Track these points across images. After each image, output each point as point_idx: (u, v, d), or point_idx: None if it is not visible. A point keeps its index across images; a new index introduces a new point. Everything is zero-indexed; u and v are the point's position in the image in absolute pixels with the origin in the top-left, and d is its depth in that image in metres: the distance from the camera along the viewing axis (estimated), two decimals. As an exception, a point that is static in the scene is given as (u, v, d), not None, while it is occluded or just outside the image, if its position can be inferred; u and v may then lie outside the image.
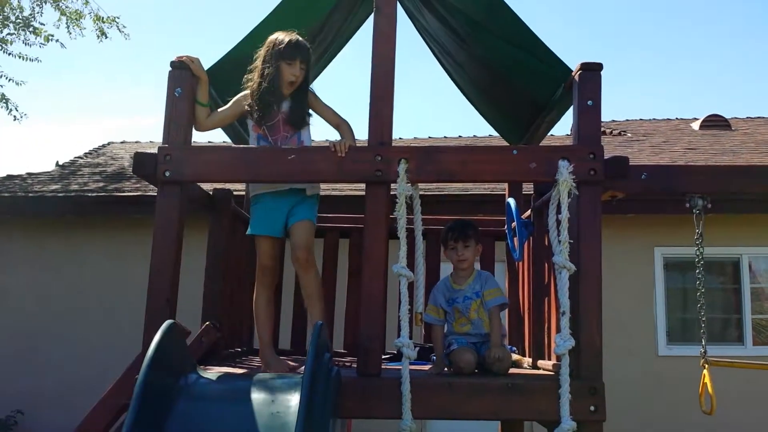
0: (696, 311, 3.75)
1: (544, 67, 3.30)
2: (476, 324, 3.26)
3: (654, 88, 30.39)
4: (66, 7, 10.29)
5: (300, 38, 3.23)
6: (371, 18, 3.17)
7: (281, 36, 3.21)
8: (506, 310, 3.61)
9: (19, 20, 9.91)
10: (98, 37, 10.44)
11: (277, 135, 3.20)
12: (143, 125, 31.07)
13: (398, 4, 3.28)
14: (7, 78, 9.93)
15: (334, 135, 3.30)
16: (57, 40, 10.20)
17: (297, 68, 3.18)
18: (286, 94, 3.23)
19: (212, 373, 2.57)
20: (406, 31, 4.31)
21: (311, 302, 3.28)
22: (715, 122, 10.91)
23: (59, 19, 10.35)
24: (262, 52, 3.22)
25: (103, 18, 10.39)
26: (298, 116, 3.21)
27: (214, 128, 3.39)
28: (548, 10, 29.87)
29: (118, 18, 10.46)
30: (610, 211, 5.42)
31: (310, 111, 3.29)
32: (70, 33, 10.43)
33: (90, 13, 10.40)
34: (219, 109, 3.35)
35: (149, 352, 2.19)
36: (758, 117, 11.73)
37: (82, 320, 7.67)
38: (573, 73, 3.09)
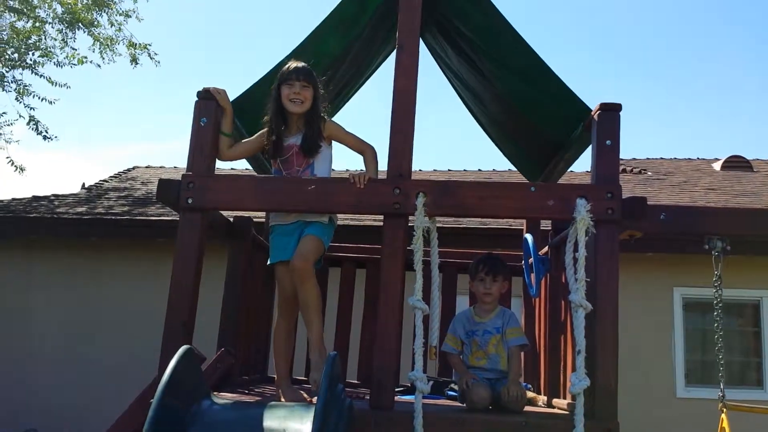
0: (715, 353, 3.71)
1: (564, 106, 3.34)
2: (493, 359, 3.25)
3: (675, 127, 30.31)
4: (99, 33, 10.59)
5: (302, 63, 3.26)
6: (394, 52, 3.24)
7: (286, 65, 3.29)
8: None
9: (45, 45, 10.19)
10: (131, 62, 10.73)
11: (291, 169, 3.25)
12: (170, 149, 31.51)
13: (420, 41, 3.36)
14: (39, 98, 10.20)
15: (356, 161, 3.34)
16: (91, 61, 10.49)
17: (297, 87, 3.20)
18: (296, 122, 3.25)
19: (225, 399, 2.59)
20: (428, 65, 4.39)
21: (309, 315, 3.17)
22: (736, 163, 10.84)
23: (93, 44, 10.66)
24: (273, 85, 3.28)
25: (135, 45, 10.69)
26: (310, 144, 3.23)
27: (237, 159, 3.45)
28: (570, 47, 30.06)
29: (150, 45, 10.76)
30: (629, 250, 5.41)
31: (329, 140, 3.31)
32: (104, 58, 10.73)
33: (123, 40, 10.72)
34: (243, 141, 3.42)
35: (164, 377, 2.21)
36: (781, 159, 11.64)
37: (101, 341, 7.73)
38: (592, 113, 3.12)
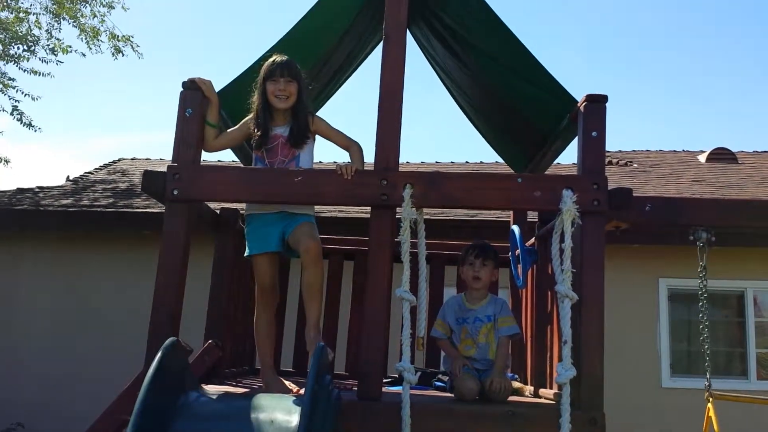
0: (701, 344, 3.75)
1: (550, 98, 3.34)
2: (482, 348, 3.23)
3: (661, 119, 30.48)
4: (84, 23, 10.48)
5: (285, 57, 3.24)
6: (381, 44, 3.23)
7: (269, 60, 3.26)
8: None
9: (31, 39, 10.06)
10: (113, 54, 10.63)
11: (274, 158, 3.23)
12: (156, 141, 31.30)
13: (407, 32, 3.35)
14: (23, 93, 10.08)
15: (343, 155, 3.34)
16: (76, 50, 10.37)
17: (281, 84, 3.18)
18: (282, 114, 3.24)
19: (213, 391, 2.58)
20: (416, 57, 4.39)
21: (312, 296, 3.13)
22: (721, 155, 10.92)
23: (80, 35, 10.54)
24: (258, 79, 3.26)
25: (118, 36, 10.59)
26: (297, 136, 3.22)
27: (222, 149, 3.43)
28: (557, 40, 30.12)
29: (132, 37, 10.66)
30: (615, 242, 5.43)
31: (315, 134, 3.31)
32: (91, 48, 10.63)
33: (106, 31, 10.60)
34: (228, 130, 3.40)
35: (151, 369, 2.21)
36: (765, 151, 11.74)
37: (88, 334, 7.68)
38: (578, 104, 3.12)
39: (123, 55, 10.64)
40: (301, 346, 4.29)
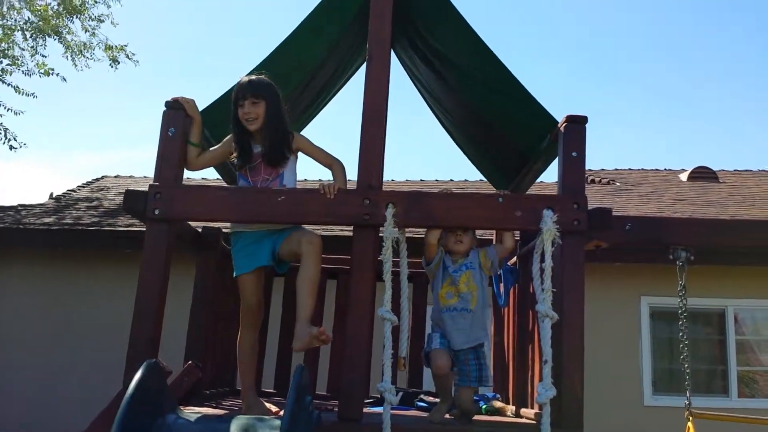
0: (680, 362, 3.77)
1: (531, 118, 3.37)
2: (465, 298, 3.10)
3: (644, 137, 30.83)
4: (71, 39, 10.48)
5: (252, 77, 3.19)
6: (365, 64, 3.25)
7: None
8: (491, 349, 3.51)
9: (15, 53, 10.04)
10: (111, 65, 10.69)
11: (257, 177, 3.19)
12: (141, 158, 31.13)
13: (392, 52, 3.37)
14: (5, 108, 10.02)
15: (328, 174, 3.32)
16: (58, 74, 10.33)
17: (246, 107, 3.14)
18: (257, 134, 3.21)
19: (192, 413, 2.55)
20: (401, 75, 4.42)
21: (310, 289, 2.98)
22: (702, 174, 11.06)
23: (66, 51, 10.52)
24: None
25: (113, 47, 10.63)
26: (274, 155, 3.18)
27: (205, 168, 3.40)
28: (542, 56, 30.46)
29: (126, 45, 10.72)
30: (597, 260, 5.46)
31: (296, 151, 3.29)
32: (76, 65, 10.63)
33: (99, 44, 10.64)
34: (210, 149, 3.38)
35: (128, 391, 2.18)
36: (745, 170, 11.92)
37: (69, 352, 7.60)
38: (558, 125, 3.16)
39: (118, 63, 10.71)
40: (282, 367, 4.26)
